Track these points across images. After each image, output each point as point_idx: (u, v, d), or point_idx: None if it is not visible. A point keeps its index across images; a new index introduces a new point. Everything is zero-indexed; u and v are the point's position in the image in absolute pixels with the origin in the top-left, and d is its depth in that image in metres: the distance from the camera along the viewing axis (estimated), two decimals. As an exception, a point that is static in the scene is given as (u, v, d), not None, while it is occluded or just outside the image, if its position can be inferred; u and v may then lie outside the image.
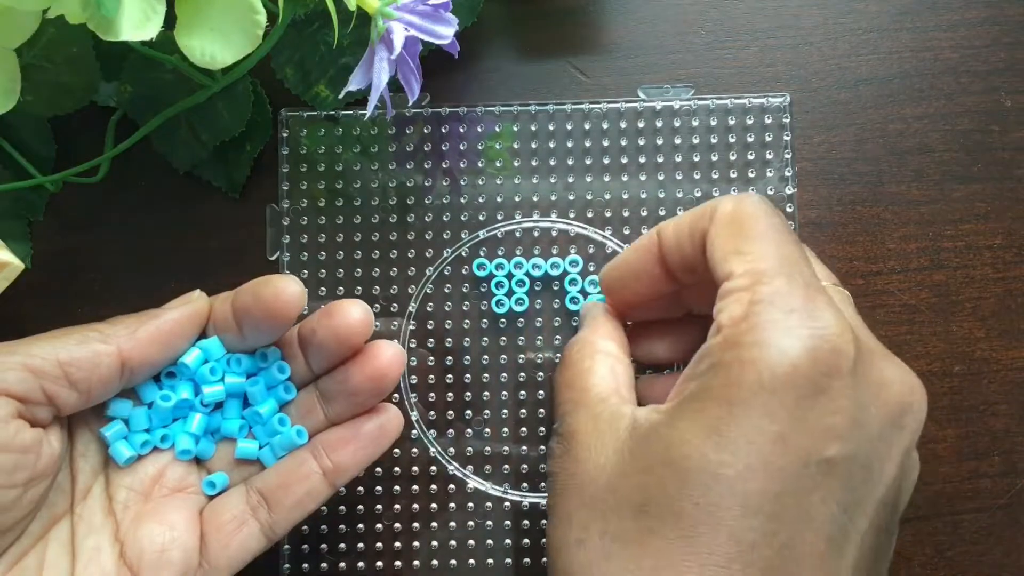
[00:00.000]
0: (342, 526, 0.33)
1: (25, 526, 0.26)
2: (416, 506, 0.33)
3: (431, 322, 0.34)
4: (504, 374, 0.34)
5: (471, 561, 0.33)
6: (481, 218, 0.34)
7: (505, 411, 0.34)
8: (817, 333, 0.21)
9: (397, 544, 0.33)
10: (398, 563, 0.33)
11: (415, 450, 0.34)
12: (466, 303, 0.34)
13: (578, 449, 0.24)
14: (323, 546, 0.33)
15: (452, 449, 0.34)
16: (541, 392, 0.34)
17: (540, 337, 0.34)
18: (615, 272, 0.28)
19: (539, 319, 0.34)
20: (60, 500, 0.28)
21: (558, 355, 0.34)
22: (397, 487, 0.33)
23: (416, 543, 0.33)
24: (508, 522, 0.33)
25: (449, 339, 0.34)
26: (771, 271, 0.22)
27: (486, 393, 0.34)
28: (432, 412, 0.34)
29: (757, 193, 0.25)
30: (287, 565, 0.33)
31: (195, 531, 0.28)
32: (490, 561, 0.33)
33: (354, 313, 0.29)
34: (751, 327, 0.21)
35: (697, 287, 0.27)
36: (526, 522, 0.33)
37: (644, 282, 0.27)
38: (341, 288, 0.34)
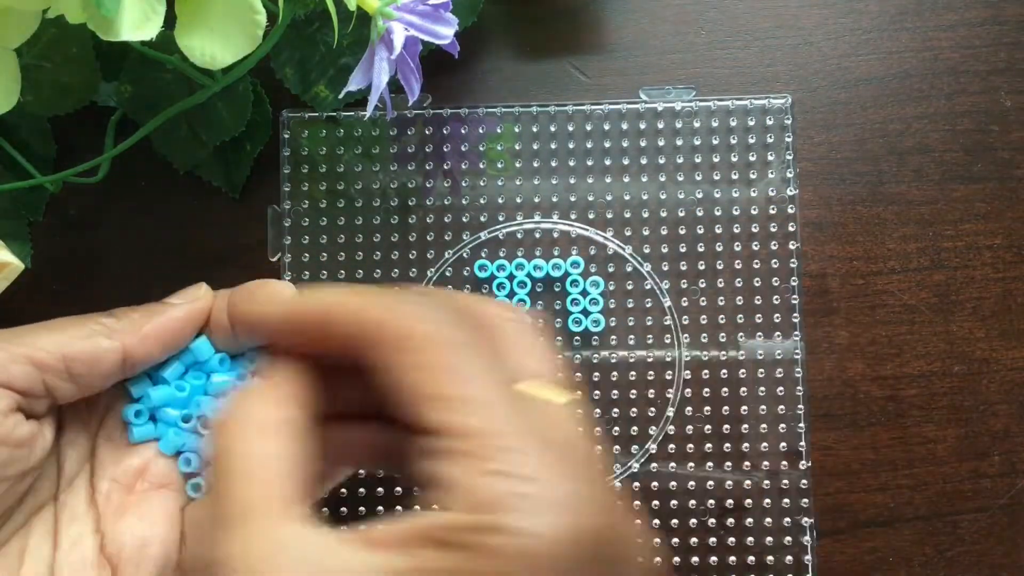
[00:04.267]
0: (343, 527, 0.33)
1: (10, 515, 0.26)
2: (417, 507, 0.33)
3: (432, 323, 0.34)
4: (505, 375, 0.34)
5: (472, 562, 0.33)
6: (482, 219, 0.34)
7: (506, 412, 0.33)
8: (581, 527, 0.19)
9: (398, 545, 0.33)
10: (399, 564, 0.33)
11: (416, 451, 0.34)
12: (467, 304, 0.34)
13: None
14: (324, 547, 0.33)
15: (453, 450, 0.34)
16: (542, 393, 0.34)
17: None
18: (246, 307, 0.25)
19: (540, 320, 0.34)
20: (45, 488, 0.27)
21: (559, 357, 0.34)
22: (398, 488, 0.33)
23: (417, 544, 0.33)
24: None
25: (450, 340, 0.34)
26: (494, 431, 0.19)
27: (487, 394, 0.34)
28: (433, 413, 0.34)
29: (424, 292, 0.22)
30: (288, 566, 0.33)
31: (176, 528, 0.28)
32: (491, 562, 0.33)
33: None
34: (509, 512, 0.18)
35: None
36: (527, 523, 0.33)
37: (303, 346, 0.23)
38: (342, 289, 0.34)
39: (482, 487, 0.19)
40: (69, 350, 0.26)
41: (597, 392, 0.34)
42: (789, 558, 0.33)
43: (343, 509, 0.33)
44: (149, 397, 0.29)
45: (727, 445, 0.33)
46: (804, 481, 0.33)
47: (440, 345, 0.20)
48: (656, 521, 0.33)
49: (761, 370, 0.33)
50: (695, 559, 0.33)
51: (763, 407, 0.33)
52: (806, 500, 0.33)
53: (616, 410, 0.33)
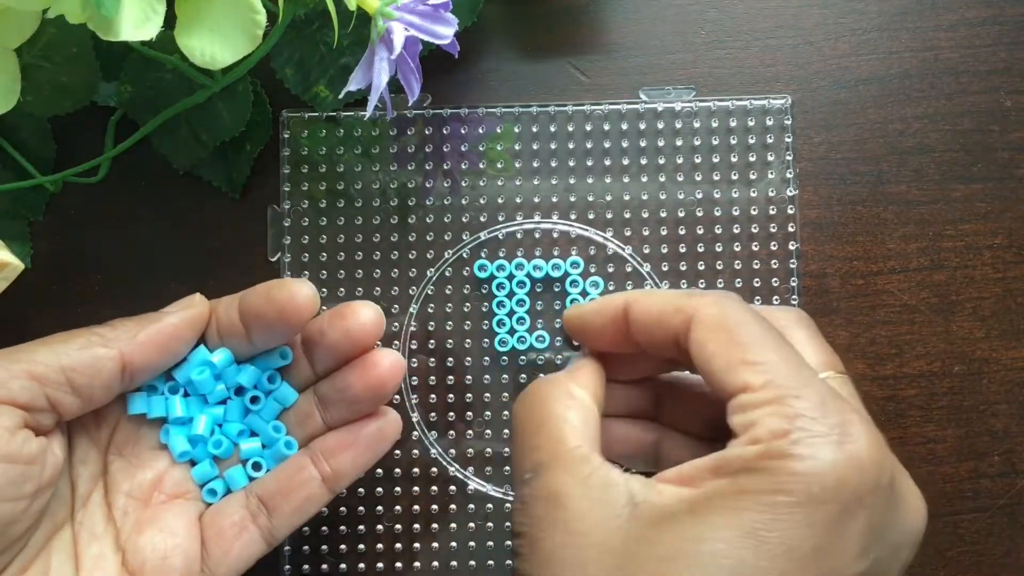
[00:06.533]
0: (343, 527, 0.33)
1: (29, 537, 0.26)
2: (417, 507, 0.33)
3: (432, 323, 0.34)
4: (505, 376, 0.34)
5: (472, 562, 0.33)
6: (482, 219, 0.34)
7: (506, 413, 0.34)
8: (858, 451, 0.21)
9: (398, 545, 0.33)
10: (399, 564, 0.33)
11: (416, 451, 0.34)
12: (467, 304, 0.34)
13: (569, 518, 0.22)
14: (324, 547, 0.33)
15: (453, 450, 0.34)
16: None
17: (542, 338, 0.34)
18: (578, 321, 0.27)
19: (540, 320, 0.34)
20: (60, 508, 0.27)
21: (559, 357, 0.34)
22: (398, 488, 0.33)
23: (417, 544, 0.33)
24: (509, 524, 0.33)
25: (450, 340, 0.34)
26: (794, 385, 0.22)
27: (487, 394, 0.34)
28: (433, 413, 0.34)
29: (732, 294, 0.24)
30: (288, 566, 0.33)
31: (196, 537, 0.28)
32: (491, 563, 0.33)
33: (366, 314, 0.29)
34: (797, 441, 0.21)
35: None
36: (527, 523, 0.33)
37: (607, 341, 0.26)
38: (342, 289, 0.34)
39: (775, 423, 0.21)
40: (67, 361, 0.26)
41: (597, 392, 0.34)
42: (789, 558, 0.33)
43: (342, 509, 0.33)
44: (156, 390, 0.30)
45: (727, 445, 0.33)
46: (804, 481, 0.33)
47: (746, 325, 0.23)
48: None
49: (761, 370, 0.33)
50: (695, 559, 0.33)
51: (763, 407, 0.33)
52: (806, 500, 0.33)
53: (616, 410, 0.33)
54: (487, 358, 0.34)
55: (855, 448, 0.21)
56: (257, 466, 0.30)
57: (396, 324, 0.34)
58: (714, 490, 0.21)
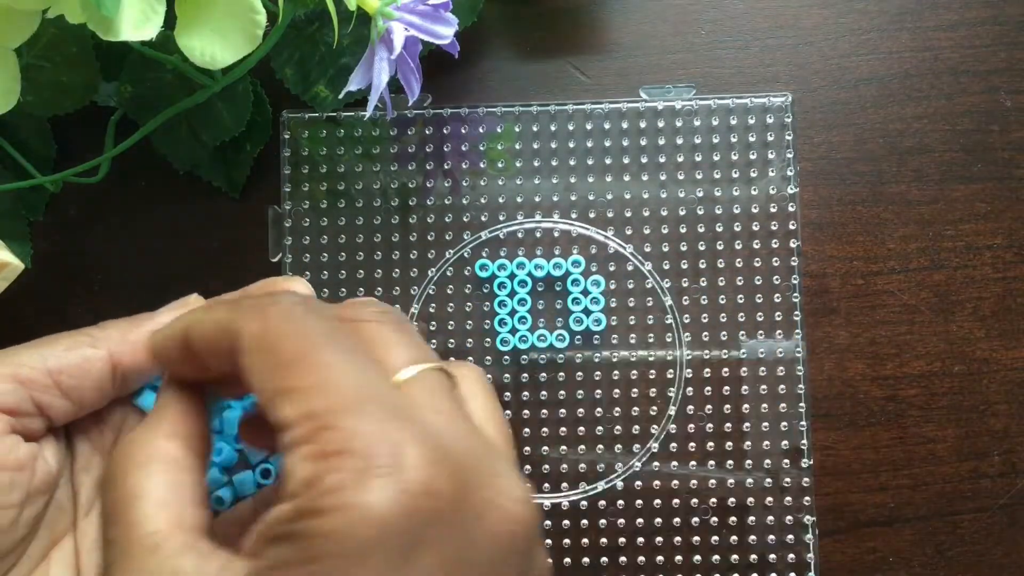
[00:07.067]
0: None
1: (25, 548, 0.25)
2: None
3: (434, 323, 0.34)
4: (506, 375, 0.34)
5: (473, 562, 0.33)
6: (483, 219, 0.34)
7: (508, 412, 0.34)
8: (406, 485, 0.18)
9: (399, 545, 0.33)
10: (400, 564, 0.33)
11: (416, 451, 0.33)
12: (469, 304, 0.34)
13: None
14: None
15: (454, 450, 0.33)
16: (544, 393, 0.34)
17: (543, 337, 0.34)
18: (154, 348, 0.24)
19: (542, 320, 0.34)
20: (61, 518, 0.26)
21: (561, 356, 0.34)
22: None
23: (418, 544, 0.33)
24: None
25: (452, 340, 0.34)
26: (334, 409, 0.18)
27: (488, 394, 0.34)
28: (434, 413, 0.34)
29: (291, 294, 0.20)
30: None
31: None
32: (492, 562, 0.33)
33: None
34: (327, 491, 0.18)
35: None
36: (528, 523, 0.33)
37: (192, 369, 0.23)
38: (344, 289, 0.34)
39: (305, 469, 0.18)
40: (54, 364, 0.25)
41: (598, 391, 0.34)
42: (791, 556, 0.33)
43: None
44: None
45: (729, 444, 0.33)
46: (806, 479, 0.33)
47: (290, 338, 0.19)
48: (658, 520, 0.33)
49: (762, 369, 0.33)
50: (697, 558, 0.33)
51: (764, 406, 0.33)
52: (808, 498, 0.33)
53: (617, 409, 0.33)
54: (489, 358, 0.34)
55: (398, 482, 0.17)
56: (266, 473, 0.30)
57: (397, 324, 0.34)
58: (264, 565, 0.18)
